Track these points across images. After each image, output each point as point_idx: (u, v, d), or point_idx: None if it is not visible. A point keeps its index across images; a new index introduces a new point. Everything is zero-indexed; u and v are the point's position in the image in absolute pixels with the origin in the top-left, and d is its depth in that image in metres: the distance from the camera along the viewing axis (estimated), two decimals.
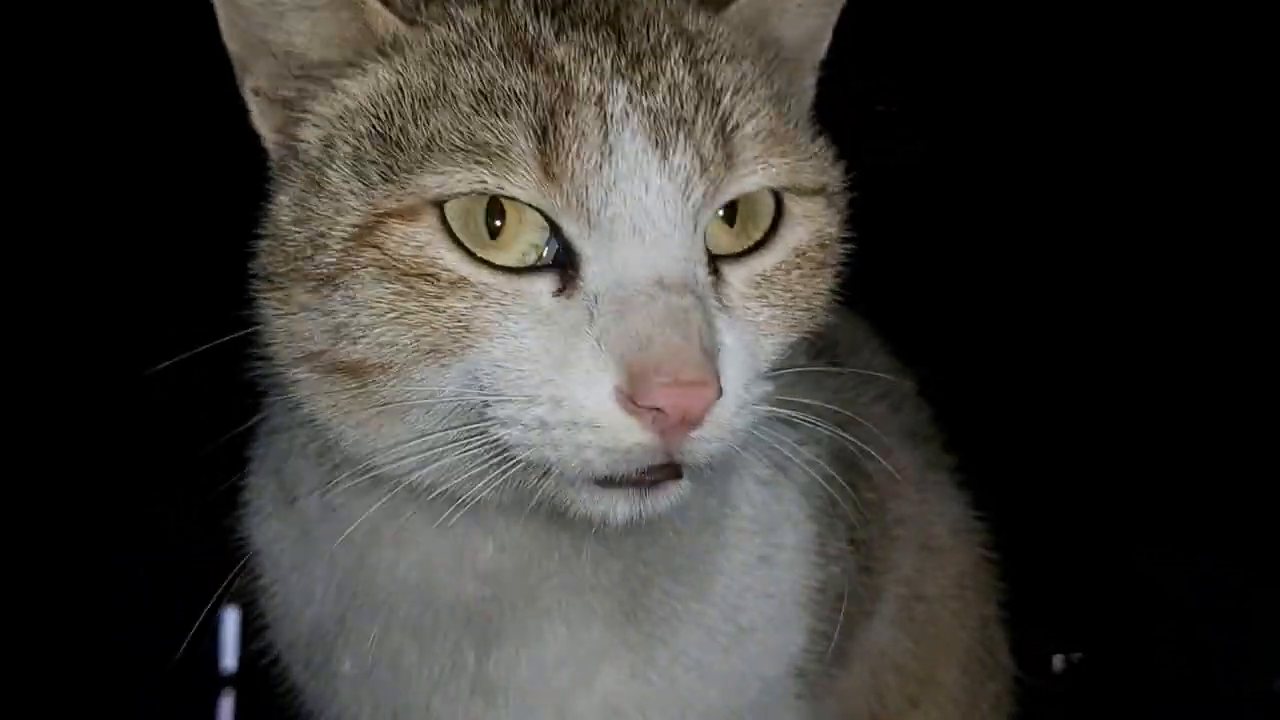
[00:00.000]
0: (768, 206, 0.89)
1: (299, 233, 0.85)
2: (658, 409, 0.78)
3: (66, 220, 1.86)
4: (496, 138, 0.80)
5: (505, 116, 0.81)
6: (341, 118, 0.88)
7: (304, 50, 0.89)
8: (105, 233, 1.86)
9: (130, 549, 1.81)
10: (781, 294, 0.90)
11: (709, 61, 0.88)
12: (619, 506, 0.85)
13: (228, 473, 1.06)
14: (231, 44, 0.90)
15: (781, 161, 0.88)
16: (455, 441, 0.83)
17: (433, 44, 0.87)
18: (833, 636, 1.15)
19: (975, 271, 2.11)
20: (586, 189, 0.80)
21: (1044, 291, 2.16)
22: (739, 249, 0.88)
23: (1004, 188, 2.12)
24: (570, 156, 0.80)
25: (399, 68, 0.87)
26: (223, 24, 0.90)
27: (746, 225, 0.88)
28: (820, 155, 0.93)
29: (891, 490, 1.26)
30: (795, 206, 0.90)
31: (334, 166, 0.85)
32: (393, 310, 0.81)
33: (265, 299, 0.88)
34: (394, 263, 0.81)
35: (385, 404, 0.84)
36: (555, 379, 0.80)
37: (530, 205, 0.81)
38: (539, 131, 0.80)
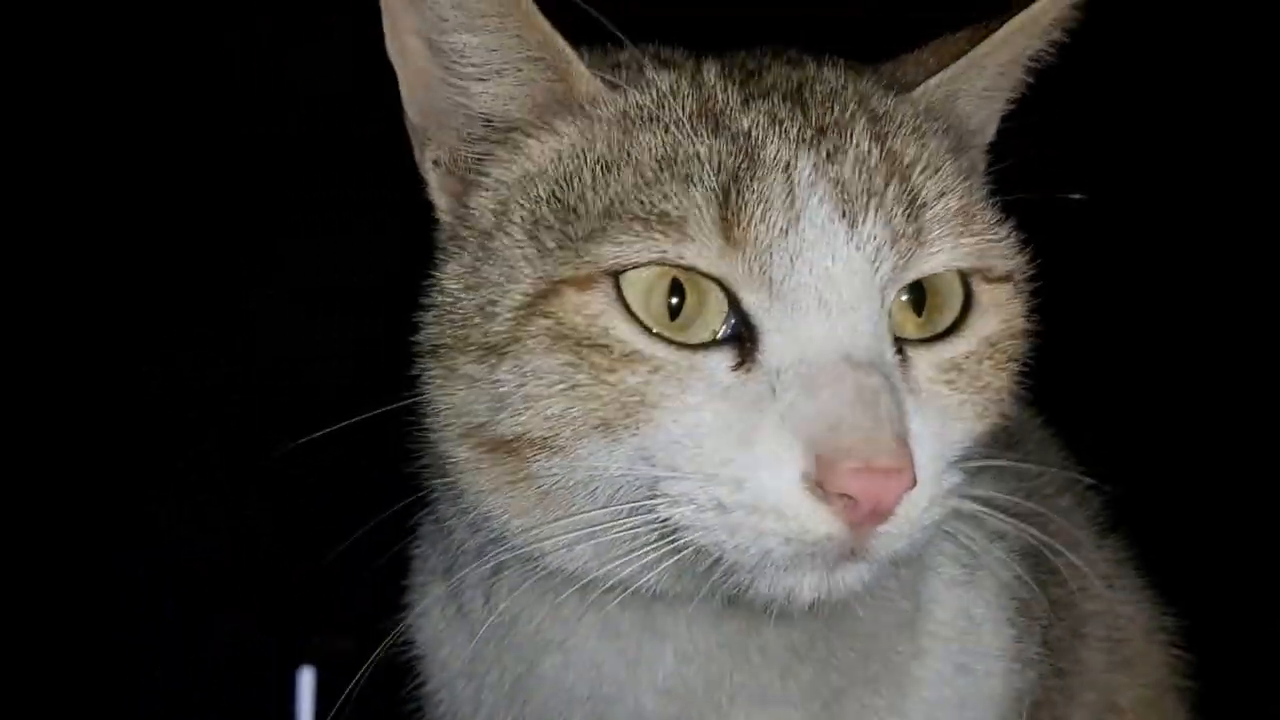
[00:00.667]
0: (956, 293, 0.86)
1: (468, 300, 0.84)
2: (848, 497, 0.73)
3: (71, 222, 1.84)
4: (677, 205, 0.77)
5: (688, 182, 0.78)
6: (520, 182, 0.86)
7: (495, 112, 0.88)
8: (107, 236, 1.84)
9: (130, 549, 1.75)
10: (971, 382, 0.86)
11: (895, 137, 0.85)
12: (806, 581, 0.78)
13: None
14: (413, 114, 0.90)
15: (971, 241, 0.85)
16: (620, 520, 0.79)
17: (624, 108, 0.85)
18: None
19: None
20: (770, 256, 0.77)
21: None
22: (925, 335, 0.84)
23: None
24: (754, 222, 0.77)
25: (585, 130, 0.85)
26: (405, 91, 0.89)
27: (933, 312, 0.85)
28: (1008, 240, 0.89)
29: (1080, 586, 1.16)
30: (984, 295, 0.87)
31: (508, 232, 0.84)
32: (563, 381, 0.78)
33: (429, 373, 0.86)
34: (566, 333, 0.78)
35: (547, 484, 0.80)
36: (737, 458, 0.75)
37: (709, 276, 0.77)
38: (721, 197, 0.77)
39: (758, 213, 0.78)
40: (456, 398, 0.84)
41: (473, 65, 0.86)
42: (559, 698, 0.92)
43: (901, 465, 0.74)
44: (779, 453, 0.75)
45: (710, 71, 0.88)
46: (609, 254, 0.78)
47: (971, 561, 0.98)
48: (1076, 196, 0.93)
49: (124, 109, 1.81)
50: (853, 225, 0.79)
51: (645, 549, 0.79)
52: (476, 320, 0.82)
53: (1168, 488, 1.88)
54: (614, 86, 0.86)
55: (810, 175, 0.80)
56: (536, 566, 0.85)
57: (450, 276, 0.86)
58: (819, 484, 0.73)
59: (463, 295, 0.85)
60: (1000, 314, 0.88)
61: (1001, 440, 1.23)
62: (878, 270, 0.80)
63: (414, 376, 0.88)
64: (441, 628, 0.99)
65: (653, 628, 0.89)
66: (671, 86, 0.86)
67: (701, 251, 0.77)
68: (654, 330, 0.78)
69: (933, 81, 0.94)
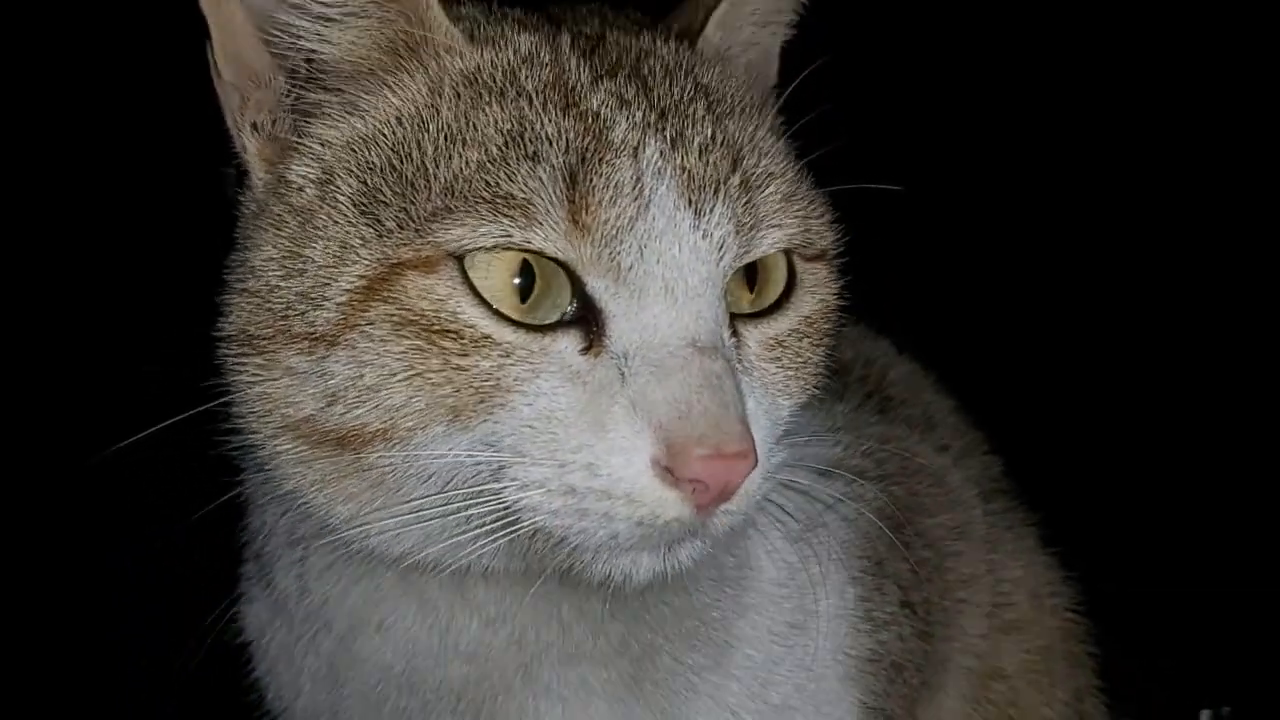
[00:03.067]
0: (782, 270, 0.86)
1: (287, 286, 0.78)
2: (697, 481, 0.73)
3: (65, 222, 1.84)
4: (524, 188, 0.75)
5: (535, 161, 0.76)
6: (349, 145, 0.81)
7: (341, 59, 0.82)
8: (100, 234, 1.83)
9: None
10: (794, 359, 0.86)
11: (729, 117, 0.85)
12: (643, 561, 0.78)
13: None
14: (228, 72, 0.83)
15: (797, 220, 0.85)
16: (459, 506, 0.77)
17: (478, 66, 0.81)
18: (890, 713, 1.03)
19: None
20: (619, 244, 0.76)
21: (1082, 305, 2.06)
22: (754, 310, 0.85)
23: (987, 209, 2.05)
24: (602, 207, 0.76)
25: (431, 90, 0.81)
26: (217, 48, 0.82)
27: (764, 287, 0.85)
28: (823, 214, 0.90)
29: (952, 548, 1.13)
30: (805, 274, 0.87)
31: (336, 207, 0.79)
32: (410, 369, 0.75)
33: (241, 364, 0.80)
34: (412, 318, 0.75)
35: (382, 473, 0.77)
36: (589, 444, 0.74)
37: (555, 260, 0.76)
38: (569, 179, 0.75)
39: (606, 198, 0.76)
40: (276, 389, 0.79)
41: (325, 6, 0.80)
42: (375, 675, 0.90)
43: (746, 449, 0.75)
44: (631, 439, 0.74)
45: (564, 41, 0.86)
46: (454, 237, 0.75)
47: (815, 518, 0.95)
48: (894, 188, 0.92)
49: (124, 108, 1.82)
50: (699, 214, 0.78)
51: (480, 531, 0.77)
52: (300, 308, 0.77)
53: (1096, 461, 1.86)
54: (471, 39, 0.83)
55: (658, 162, 0.78)
56: (352, 549, 0.83)
57: (264, 259, 0.80)
58: (668, 469, 0.73)
59: (280, 281, 0.79)
60: (818, 293, 0.88)
61: (874, 395, 1.21)
62: (721, 259, 0.79)
63: (218, 365, 0.82)
64: (262, 613, 0.98)
65: (464, 597, 0.87)
66: (530, 51, 0.83)
67: (548, 236, 0.75)
68: (500, 311, 0.76)
69: (717, 15, 0.93)
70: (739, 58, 0.96)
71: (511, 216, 0.75)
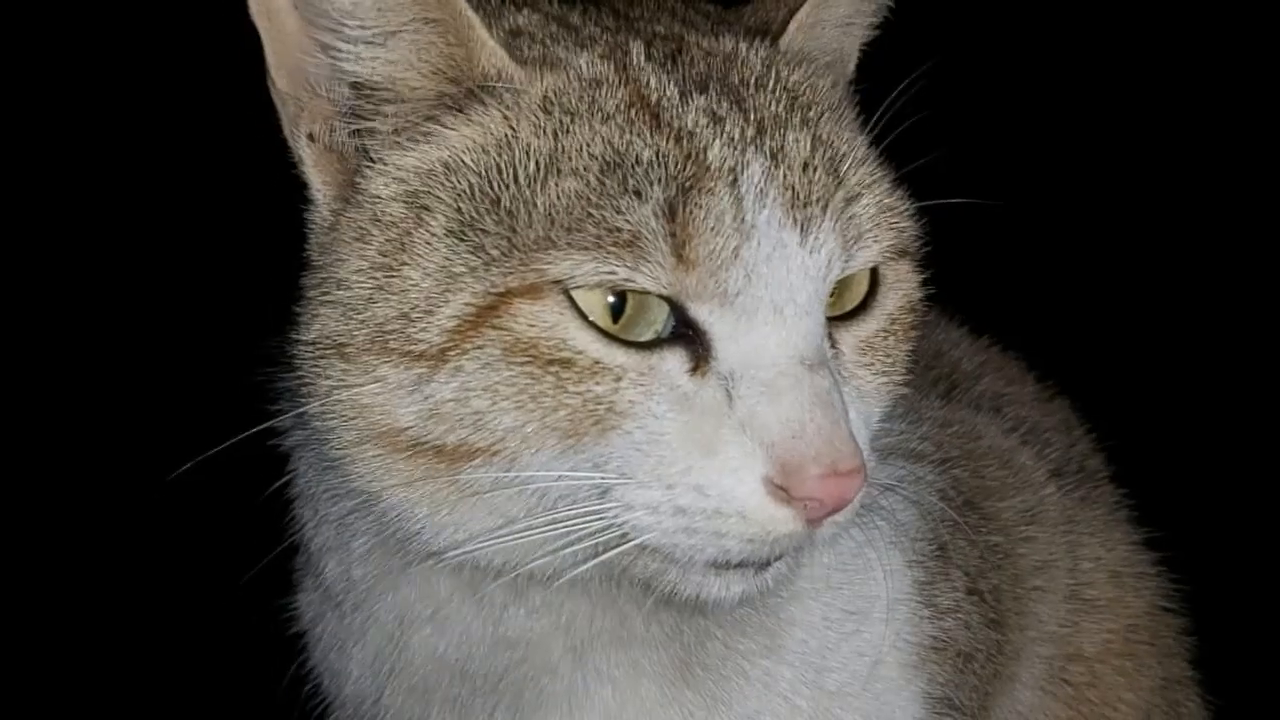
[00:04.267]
0: (866, 271, 0.85)
1: (385, 302, 0.77)
2: (814, 500, 0.74)
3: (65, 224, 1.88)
4: (629, 222, 0.74)
5: (637, 196, 0.75)
6: (434, 173, 0.79)
7: (385, 81, 0.80)
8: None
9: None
10: (884, 360, 0.86)
11: (820, 122, 0.83)
12: (734, 587, 0.79)
13: None
14: (280, 81, 0.82)
15: (893, 230, 0.84)
16: (556, 524, 0.77)
17: (547, 94, 0.79)
18: (959, 703, 1.01)
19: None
20: (726, 272, 0.75)
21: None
22: (838, 313, 0.83)
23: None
24: (705, 239, 0.75)
25: (508, 117, 0.79)
26: (271, 57, 0.81)
27: (848, 288, 0.84)
28: (910, 214, 0.88)
29: (1024, 533, 1.10)
30: (889, 271, 0.86)
31: (433, 232, 0.78)
32: (521, 394, 0.75)
33: (325, 369, 0.80)
34: (522, 345, 0.75)
35: (478, 487, 0.78)
36: (700, 465, 0.75)
37: (659, 295, 0.75)
38: (670, 213, 0.74)
39: (709, 228, 0.74)
40: (367, 396, 0.78)
41: (360, 27, 0.79)
42: (428, 665, 0.91)
43: (859, 465, 0.75)
44: (742, 460, 0.75)
45: (637, 52, 0.82)
46: (560, 271, 0.74)
47: (872, 501, 0.94)
48: (994, 202, 0.92)
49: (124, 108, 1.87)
50: (805, 233, 0.77)
51: (583, 548, 0.78)
52: (398, 325, 0.77)
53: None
54: (523, 63, 0.81)
55: (760, 183, 0.77)
56: (412, 548, 0.84)
57: (353, 272, 0.79)
58: (782, 488, 0.74)
59: (375, 295, 0.78)
60: (901, 289, 0.87)
61: (941, 381, 1.19)
62: (828, 275, 0.79)
63: (296, 366, 0.82)
64: (316, 603, 0.99)
65: (520, 593, 0.88)
66: (596, 73, 0.80)
67: (654, 273, 0.75)
68: (609, 333, 0.76)
69: (799, 17, 0.91)
70: (820, 58, 0.93)
71: (617, 254, 0.74)
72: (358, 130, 0.82)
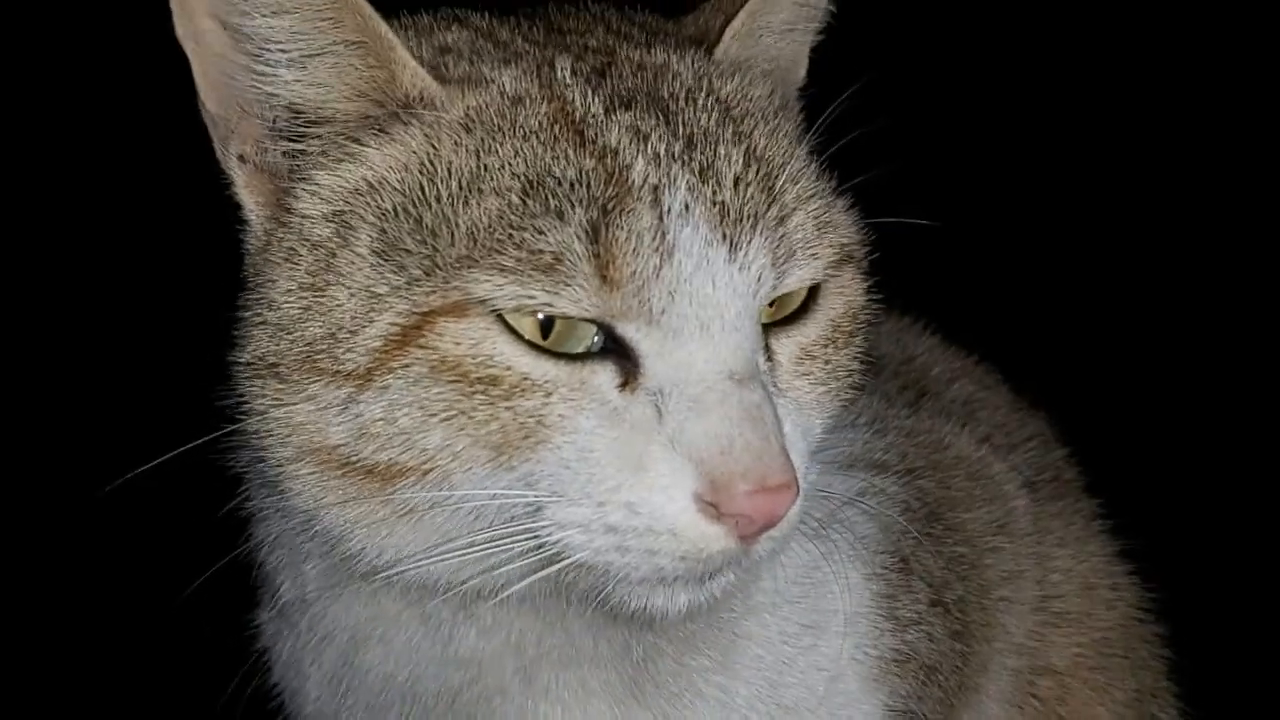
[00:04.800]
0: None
1: (312, 323, 0.77)
2: (744, 516, 0.73)
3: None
4: (551, 244, 0.73)
5: (559, 217, 0.74)
6: (358, 192, 0.79)
7: (308, 104, 0.80)
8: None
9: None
10: (823, 369, 0.84)
11: (756, 134, 0.82)
12: (679, 598, 0.78)
13: None
14: (210, 102, 0.82)
15: (832, 240, 0.82)
16: (492, 542, 0.77)
17: (469, 111, 0.79)
18: (923, 716, 0.99)
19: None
20: (649, 291, 0.74)
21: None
22: (777, 318, 0.82)
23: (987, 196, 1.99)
24: (627, 260, 0.74)
25: (430, 136, 0.79)
26: (200, 79, 0.81)
27: (783, 298, 0.82)
28: (848, 218, 0.86)
29: (990, 544, 1.09)
30: (829, 280, 0.84)
31: (357, 252, 0.77)
32: (449, 412, 0.74)
33: (259, 388, 0.80)
34: (449, 364, 0.74)
35: (411, 506, 0.77)
36: (630, 482, 0.74)
37: (584, 318, 0.75)
38: (593, 234, 0.73)
39: (630, 249, 0.74)
40: (299, 415, 0.78)
41: (281, 51, 0.79)
42: (379, 684, 0.91)
43: (790, 480, 0.74)
44: (672, 477, 0.74)
45: (562, 67, 0.81)
46: (480, 291, 0.73)
47: (821, 517, 0.92)
48: (926, 222, 0.90)
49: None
50: (734, 248, 0.76)
51: (517, 567, 0.77)
52: (325, 345, 0.77)
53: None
54: (444, 81, 0.80)
55: (685, 200, 0.75)
56: (357, 567, 0.83)
57: (283, 293, 0.79)
58: (712, 504, 0.73)
59: (304, 315, 0.78)
60: (843, 294, 0.85)
61: (910, 388, 1.18)
62: (759, 292, 0.77)
63: (234, 385, 0.82)
64: (274, 623, 0.99)
65: (467, 610, 0.87)
66: (519, 90, 0.79)
67: (576, 297, 0.74)
68: (539, 345, 0.75)
69: (734, 26, 0.89)
70: (758, 65, 0.92)
71: (538, 277, 0.73)
72: (288, 150, 0.82)
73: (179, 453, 0.82)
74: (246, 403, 0.81)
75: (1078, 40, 2.11)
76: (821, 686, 0.93)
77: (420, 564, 0.79)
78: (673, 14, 0.97)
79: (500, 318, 0.74)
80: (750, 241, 0.76)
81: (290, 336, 0.78)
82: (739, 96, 0.85)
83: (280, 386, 0.79)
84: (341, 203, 0.79)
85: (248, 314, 0.82)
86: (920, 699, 0.99)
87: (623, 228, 0.74)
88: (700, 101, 0.82)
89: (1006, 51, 2.07)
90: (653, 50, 0.86)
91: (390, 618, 0.88)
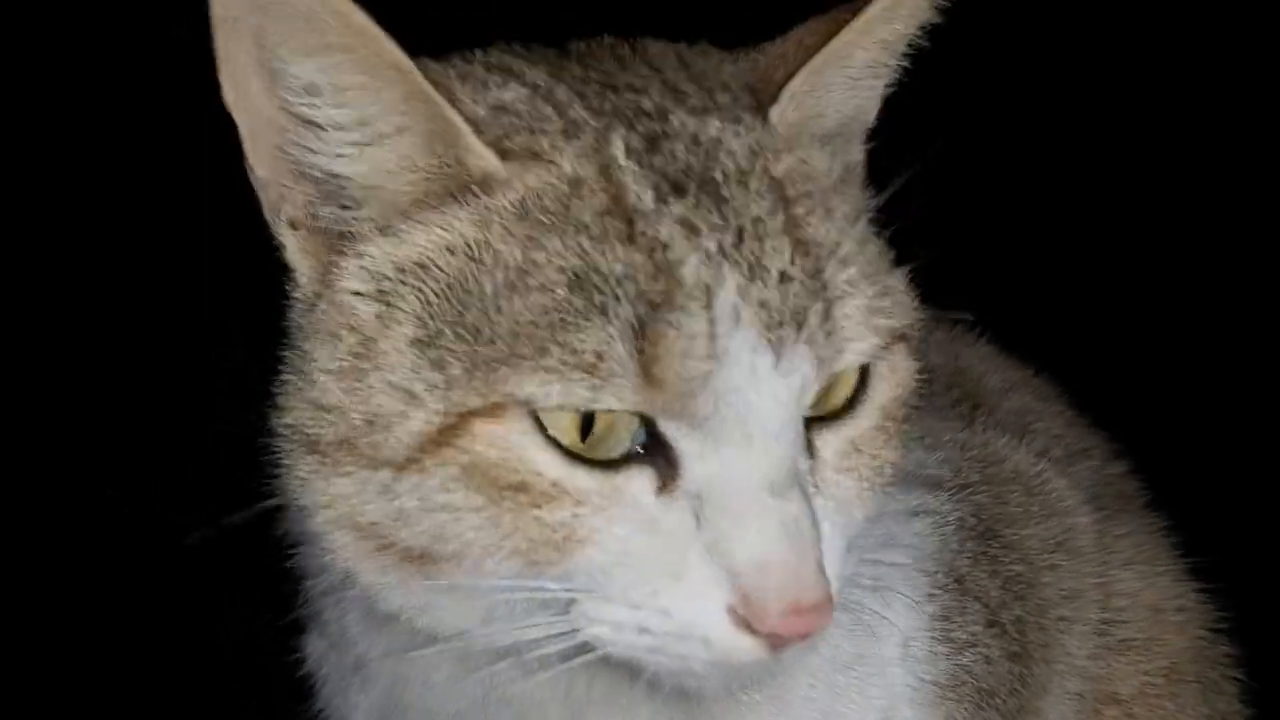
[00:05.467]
0: (855, 369, 0.79)
1: (351, 406, 0.75)
2: (775, 635, 0.72)
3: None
4: (595, 342, 0.70)
5: (604, 315, 0.70)
6: (404, 271, 0.76)
7: (367, 183, 0.77)
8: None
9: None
10: (869, 462, 0.80)
11: (806, 218, 0.77)
12: (712, 686, 0.77)
13: None
14: (260, 168, 0.78)
15: (882, 326, 0.77)
16: (523, 628, 0.76)
17: (524, 197, 0.74)
18: None
19: None
20: (694, 397, 0.71)
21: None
22: (823, 412, 0.78)
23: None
24: (675, 361, 0.70)
25: (481, 221, 0.75)
26: (249, 145, 0.76)
27: (835, 387, 0.78)
28: (903, 297, 0.81)
29: (1049, 561, 1.04)
30: (880, 364, 0.80)
31: (395, 343, 0.74)
32: (480, 513, 0.72)
33: (299, 459, 0.78)
34: (482, 468, 0.71)
35: (447, 585, 0.76)
36: (664, 589, 0.72)
37: (627, 412, 0.72)
38: (640, 331, 0.70)
39: (678, 350, 0.70)
40: (338, 490, 0.77)
41: (343, 135, 0.76)
42: (425, 716, 0.89)
43: (824, 599, 0.71)
44: (707, 587, 0.71)
45: (618, 147, 0.76)
46: (522, 393, 0.71)
47: (874, 539, 0.88)
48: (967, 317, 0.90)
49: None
50: (779, 355, 0.72)
51: (542, 652, 0.76)
52: (362, 429, 0.75)
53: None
54: (505, 155, 0.75)
55: (735, 302, 0.71)
56: (394, 622, 0.82)
57: (323, 370, 0.77)
58: (745, 619, 0.71)
59: (343, 396, 0.75)
60: (895, 377, 0.81)
61: (964, 400, 1.13)
62: (802, 398, 0.74)
63: (277, 444, 0.80)
64: (320, 645, 0.97)
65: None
66: (577, 173, 0.75)
67: (620, 394, 0.70)
68: (574, 453, 0.72)
69: (792, 87, 0.83)
70: (823, 122, 0.86)
71: (582, 376, 0.70)
72: (339, 217, 0.78)
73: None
74: (287, 465, 0.79)
75: (1128, 44, 2.06)
76: (875, 716, 0.90)
77: (455, 642, 0.79)
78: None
79: (537, 420, 0.71)
80: (795, 346, 0.72)
81: (329, 417, 0.76)
82: (793, 174, 0.79)
83: (320, 461, 0.77)
84: (386, 282, 0.76)
85: (289, 375, 0.79)
86: None
87: (671, 327, 0.70)
88: (752, 186, 0.76)
89: (1062, 57, 2.03)
90: (706, 119, 0.80)
91: (434, 664, 0.85)
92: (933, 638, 0.93)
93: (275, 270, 0.83)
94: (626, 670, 0.81)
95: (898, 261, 0.83)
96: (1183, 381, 1.89)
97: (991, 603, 0.97)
